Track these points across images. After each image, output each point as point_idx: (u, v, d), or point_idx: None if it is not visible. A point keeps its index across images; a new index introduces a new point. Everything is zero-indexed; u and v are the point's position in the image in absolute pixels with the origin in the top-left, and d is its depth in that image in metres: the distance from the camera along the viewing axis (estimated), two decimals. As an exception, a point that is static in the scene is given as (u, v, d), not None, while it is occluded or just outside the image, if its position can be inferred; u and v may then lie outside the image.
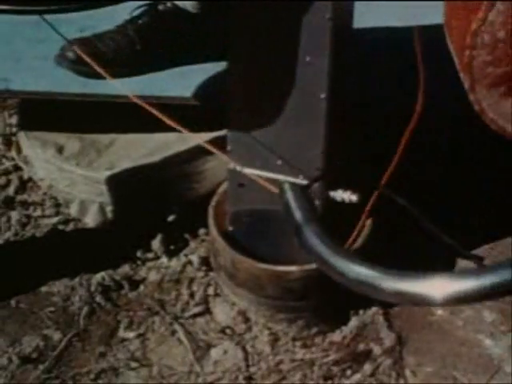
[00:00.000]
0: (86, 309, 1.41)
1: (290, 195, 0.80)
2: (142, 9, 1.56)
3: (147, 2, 1.57)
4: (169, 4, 1.55)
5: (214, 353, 1.34)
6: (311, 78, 1.21)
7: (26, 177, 1.63)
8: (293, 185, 0.80)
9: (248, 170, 1.22)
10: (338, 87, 1.24)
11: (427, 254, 1.39)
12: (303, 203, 0.80)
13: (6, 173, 1.64)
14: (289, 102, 1.24)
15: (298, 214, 0.79)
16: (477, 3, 0.87)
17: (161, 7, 1.55)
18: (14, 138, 1.69)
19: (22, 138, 1.62)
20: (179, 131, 1.53)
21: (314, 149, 1.25)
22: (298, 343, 1.36)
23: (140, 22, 1.54)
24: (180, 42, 1.56)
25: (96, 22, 1.59)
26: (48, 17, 1.57)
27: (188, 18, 1.56)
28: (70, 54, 1.52)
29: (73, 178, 1.51)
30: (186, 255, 1.50)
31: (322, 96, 1.21)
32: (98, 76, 1.51)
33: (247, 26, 1.24)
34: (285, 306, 1.35)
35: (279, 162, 1.25)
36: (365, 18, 1.63)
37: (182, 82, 1.54)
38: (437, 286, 0.78)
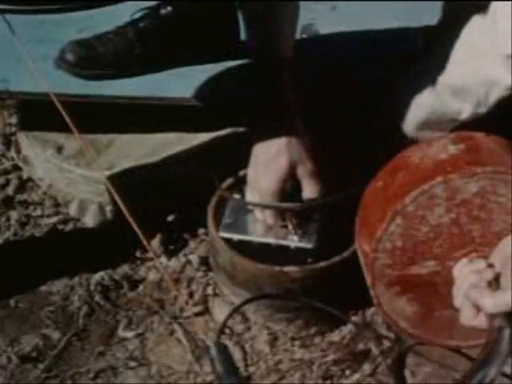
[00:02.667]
0: (85, 308, 1.41)
1: (213, 353, 0.93)
2: (143, 12, 1.56)
3: (148, 3, 1.57)
4: (169, 8, 1.55)
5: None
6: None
7: (25, 176, 1.63)
8: (218, 344, 0.93)
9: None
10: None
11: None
12: (225, 358, 0.92)
13: (6, 172, 1.64)
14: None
15: (220, 368, 0.92)
16: (382, 215, 1.01)
17: (162, 11, 1.55)
18: (13, 138, 1.69)
19: (22, 137, 1.62)
20: (178, 131, 1.54)
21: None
22: (297, 343, 1.36)
23: (140, 25, 1.55)
24: (180, 47, 1.56)
25: (96, 22, 1.59)
26: (47, 17, 1.57)
27: (189, 22, 1.56)
28: (69, 57, 1.52)
29: (72, 178, 1.51)
30: (185, 255, 1.50)
31: None
32: (98, 78, 1.52)
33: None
34: (284, 306, 1.35)
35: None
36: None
37: (181, 82, 1.54)
38: None
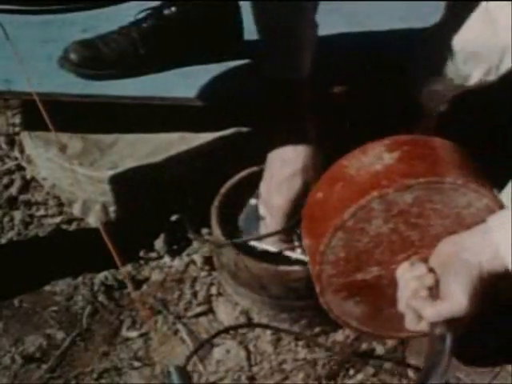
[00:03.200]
0: (88, 308, 1.41)
1: (174, 377, 0.93)
2: (147, 12, 1.57)
3: (151, 4, 1.57)
4: (173, 8, 1.55)
5: (217, 352, 1.34)
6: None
7: (28, 176, 1.63)
8: (177, 367, 0.91)
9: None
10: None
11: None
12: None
13: (9, 172, 1.64)
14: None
15: None
16: (324, 230, 1.06)
17: (166, 11, 1.55)
18: (16, 138, 1.70)
19: (25, 137, 1.62)
20: (182, 131, 1.54)
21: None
22: (301, 343, 1.36)
23: (144, 25, 1.55)
24: (184, 47, 1.56)
25: (99, 22, 1.59)
26: (51, 17, 1.58)
27: (192, 22, 1.56)
28: (73, 57, 1.52)
29: (76, 178, 1.51)
30: (188, 255, 1.50)
31: None
32: (101, 78, 1.52)
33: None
34: (287, 306, 1.35)
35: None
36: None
37: (185, 82, 1.54)
38: None
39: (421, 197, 1.01)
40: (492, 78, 1.22)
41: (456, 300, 0.97)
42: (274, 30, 1.30)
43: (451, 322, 0.98)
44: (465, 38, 1.20)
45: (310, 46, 1.32)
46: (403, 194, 1.01)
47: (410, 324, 1.02)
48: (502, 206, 1.04)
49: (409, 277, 1.04)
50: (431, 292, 1.00)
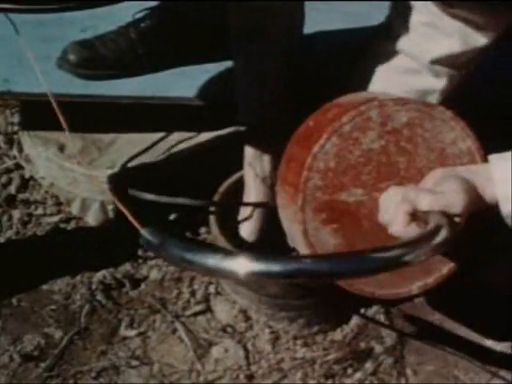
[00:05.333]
0: (87, 307, 1.41)
1: None
2: (145, 12, 1.57)
3: (149, 3, 1.57)
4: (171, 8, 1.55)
5: (215, 351, 1.34)
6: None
7: (27, 175, 1.63)
8: None
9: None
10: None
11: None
12: None
13: (8, 171, 1.65)
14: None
15: None
16: (319, 135, 1.06)
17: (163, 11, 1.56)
18: (15, 137, 1.70)
19: (24, 136, 1.62)
20: (180, 130, 1.54)
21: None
22: (299, 342, 1.36)
23: (142, 25, 1.55)
24: (182, 47, 1.57)
25: (98, 21, 1.60)
26: (49, 16, 1.57)
27: (190, 22, 1.56)
28: (71, 57, 1.52)
29: (74, 177, 1.51)
30: (187, 254, 1.50)
31: None
32: (100, 78, 1.52)
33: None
34: (286, 305, 1.35)
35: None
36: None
37: (184, 81, 1.54)
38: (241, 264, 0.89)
39: (414, 119, 1.06)
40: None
41: (453, 192, 0.97)
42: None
43: (448, 217, 0.95)
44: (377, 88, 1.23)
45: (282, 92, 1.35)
46: (400, 109, 1.06)
47: (399, 225, 0.98)
48: (483, 156, 1.06)
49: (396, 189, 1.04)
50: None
